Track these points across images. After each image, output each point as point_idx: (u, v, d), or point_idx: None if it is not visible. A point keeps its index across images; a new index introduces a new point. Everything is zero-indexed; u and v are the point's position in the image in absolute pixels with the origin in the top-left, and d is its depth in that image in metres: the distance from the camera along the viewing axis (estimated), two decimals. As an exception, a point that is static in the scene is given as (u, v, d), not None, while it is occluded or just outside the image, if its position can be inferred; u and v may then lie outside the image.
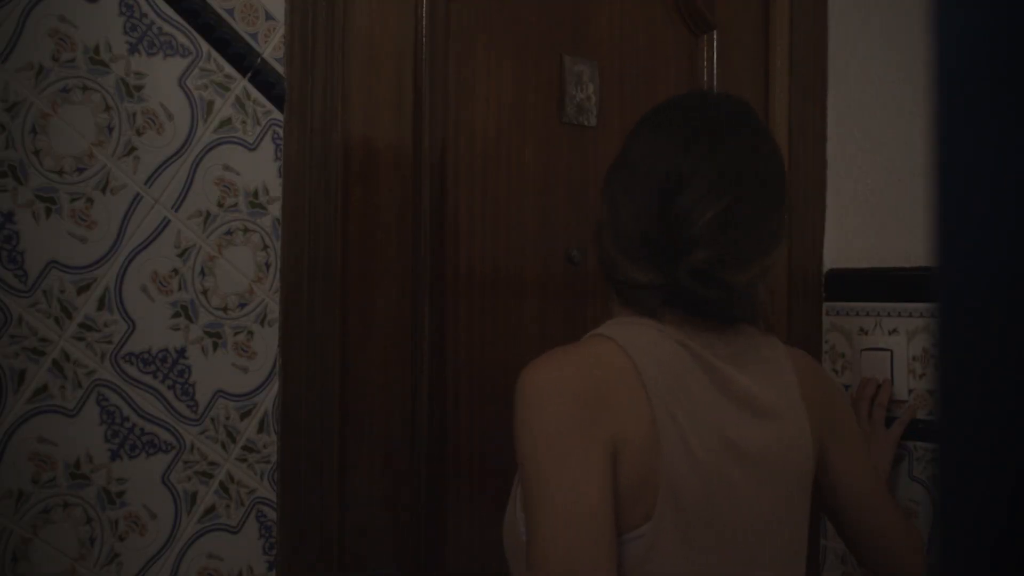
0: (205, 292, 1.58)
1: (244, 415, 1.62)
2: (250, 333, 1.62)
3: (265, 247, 1.64)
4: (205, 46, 1.59)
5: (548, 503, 1.31)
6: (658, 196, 1.42)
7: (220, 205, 1.60)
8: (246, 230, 1.62)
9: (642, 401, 1.37)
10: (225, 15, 1.60)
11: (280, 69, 1.65)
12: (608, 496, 1.32)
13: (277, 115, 1.65)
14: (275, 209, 1.65)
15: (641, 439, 1.35)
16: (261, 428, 1.63)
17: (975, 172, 0.45)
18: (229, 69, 1.61)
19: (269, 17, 1.64)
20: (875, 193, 2.21)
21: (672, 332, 1.43)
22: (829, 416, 1.59)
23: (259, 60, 1.63)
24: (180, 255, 1.56)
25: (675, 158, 1.42)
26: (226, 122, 1.60)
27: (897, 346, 2.14)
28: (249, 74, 1.62)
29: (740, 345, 1.48)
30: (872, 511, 1.65)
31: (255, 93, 1.63)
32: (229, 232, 1.60)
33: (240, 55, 1.61)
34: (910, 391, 2.13)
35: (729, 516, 1.39)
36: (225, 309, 1.60)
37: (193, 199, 1.57)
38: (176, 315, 1.56)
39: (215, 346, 1.59)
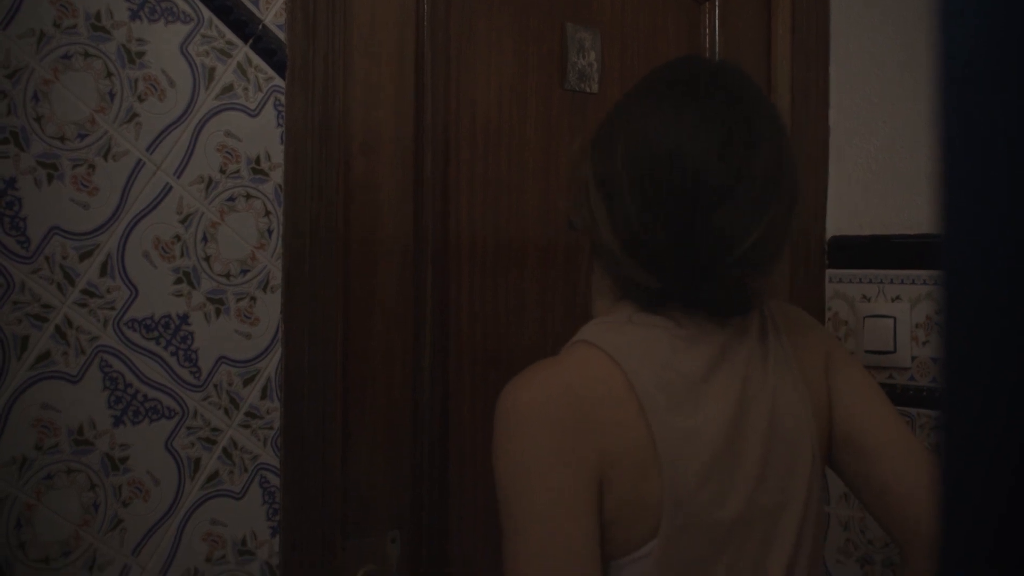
0: (207, 258, 1.58)
1: (247, 381, 1.62)
2: (252, 299, 1.62)
3: (267, 213, 1.63)
4: (206, 12, 1.58)
5: (525, 543, 1.25)
6: (688, 211, 1.28)
7: (222, 171, 1.59)
8: (248, 196, 1.62)
9: (634, 415, 1.29)
10: (226, -19, 1.59)
11: (281, 36, 1.64)
12: (593, 530, 1.26)
13: (279, 82, 1.64)
14: (277, 176, 1.64)
15: (635, 456, 1.28)
16: (264, 394, 1.64)
17: (981, 138, 0.45)
18: (230, 35, 1.60)
19: (270, -17, 1.63)
20: (878, 160, 2.20)
21: (664, 324, 1.36)
22: (822, 364, 1.51)
23: (260, 27, 1.62)
24: (182, 221, 1.56)
25: (708, 166, 1.27)
26: (228, 89, 1.60)
27: (900, 313, 2.14)
28: (250, 41, 1.62)
29: (734, 321, 1.40)
30: (875, 428, 1.49)
31: (257, 60, 1.62)
32: (231, 198, 1.60)
33: (241, 22, 1.60)
34: (913, 358, 2.13)
35: (741, 515, 1.34)
36: (227, 275, 1.60)
37: (195, 165, 1.57)
38: (178, 281, 1.56)
39: (217, 312, 1.59)
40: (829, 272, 2.28)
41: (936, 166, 0.46)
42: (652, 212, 1.30)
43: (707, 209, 1.27)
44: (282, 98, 1.65)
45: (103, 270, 1.50)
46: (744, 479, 1.35)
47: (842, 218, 2.27)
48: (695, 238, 1.28)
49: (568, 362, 1.35)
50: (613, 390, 1.30)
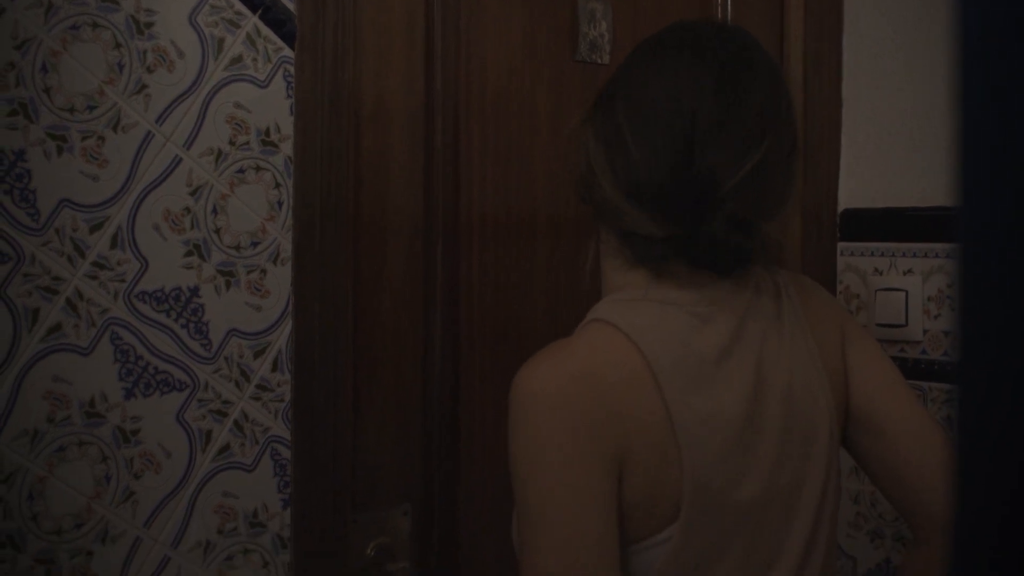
0: (218, 230, 1.58)
1: (258, 354, 1.62)
2: (263, 272, 1.62)
3: (277, 185, 1.63)
4: (215, -18, 1.57)
5: (545, 534, 1.23)
6: (685, 145, 1.29)
7: (232, 143, 1.59)
8: (258, 168, 1.61)
9: (653, 397, 1.28)
10: (235, -49, 1.59)
11: (291, 6, 1.63)
12: (611, 517, 1.24)
13: (288, 53, 1.64)
14: (287, 147, 1.64)
15: (654, 440, 1.27)
16: (275, 367, 1.64)
17: (999, 110, 0.44)
18: (239, 6, 1.59)
19: (279, -47, 1.63)
20: (891, 132, 2.19)
21: (678, 300, 1.35)
22: (838, 338, 1.50)
23: (270, -3, 1.62)
24: (192, 193, 1.56)
25: (703, 104, 1.29)
26: (237, 60, 1.59)
27: (912, 286, 2.14)
28: (259, 11, 1.61)
29: (748, 295, 1.39)
30: (890, 406, 1.48)
31: (266, 30, 1.61)
32: (241, 170, 1.60)
33: (250, -8, 1.60)
34: (924, 331, 2.12)
35: (759, 495, 1.33)
36: (238, 248, 1.60)
37: (205, 137, 1.56)
38: (189, 253, 1.56)
39: (228, 284, 1.59)
40: (841, 245, 2.27)
41: (953, 138, 0.45)
42: (651, 152, 1.31)
43: (702, 144, 1.29)
44: (291, 69, 1.64)
45: (113, 242, 1.49)
46: (763, 459, 1.34)
47: (854, 191, 2.26)
48: (691, 172, 1.29)
49: (584, 343, 1.33)
50: (631, 372, 1.28)
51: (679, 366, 1.29)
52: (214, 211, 1.58)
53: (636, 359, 1.29)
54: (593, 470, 1.24)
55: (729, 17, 2.21)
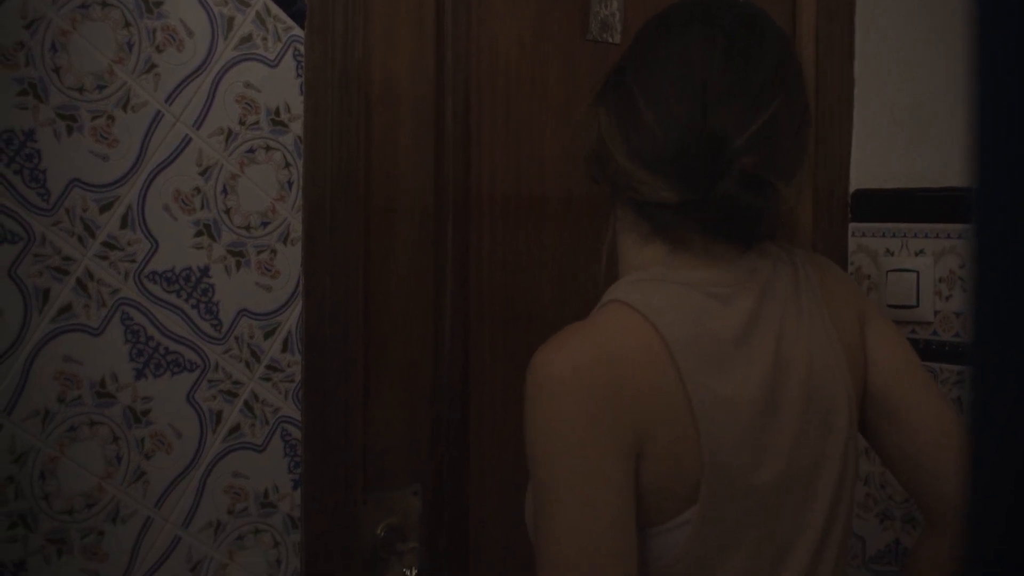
0: (228, 211, 1.58)
1: (268, 334, 1.62)
2: (273, 252, 1.62)
3: (287, 165, 1.63)
4: (225, -39, 1.57)
5: (561, 519, 1.22)
6: (699, 108, 1.29)
7: (242, 123, 1.58)
8: (268, 148, 1.61)
9: (672, 381, 1.27)
10: (245, -71, 1.58)
11: (301, -15, 1.63)
12: (629, 501, 1.23)
13: (298, 32, 1.63)
14: (297, 127, 1.64)
15: (673, 424, 1.26)
16: (285, 347, 1.64)
17: (1015, 89, 0.44)
18: (249, -15, 1.59)
19: (289, -68, 1.62)
20: (903, 112, 2.18)
21: (697, 281, 1.34)
22: (856, 319, 1.49)
23: (279, -24, 1.61)
24: (202, 173, 1.56)
25: (715, 66, 1.31)
26: (246, 39, 1.59)
27: (923, 267, 2.13)
28: (269, -10, 1.61)
29: (765, 275, 1.38)
30: (907, 391, 1.47)
31: (275, 9, 1.61)
32: (251, 150, 1.60)
33: (260, -30, 1.60)
34: (936, 313, 2.12)
35: (778, 477, 1.32)
36: (248, 228, 1.60)
37: (214, 117, 1.56)
38: (199, 234, 1.56)
39: (238, 265, 1.59)
40: (852, 226, 2.26)
41: (968, 118, 0.45)
42: (666, 117, 1.31)
43: (714, 106, 1.29)
44: (301, 48, 1.63)
45: (123, 222, 1.49)
46: (781, 441, 1.33)
47: (866, 171, 2.25)
48: (705, 133, 1.29)
49: (603, 326, 1.31)
50: (650, 355, 1.27)
51: (698, 348, 1.28)
52: (224, 191, 1.58)
53: (655, 341, 1.28)
54: (611, 453, 1.22)
55: (741, -4, 2.20)
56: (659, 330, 1.28)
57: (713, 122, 1.29)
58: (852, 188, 2.27)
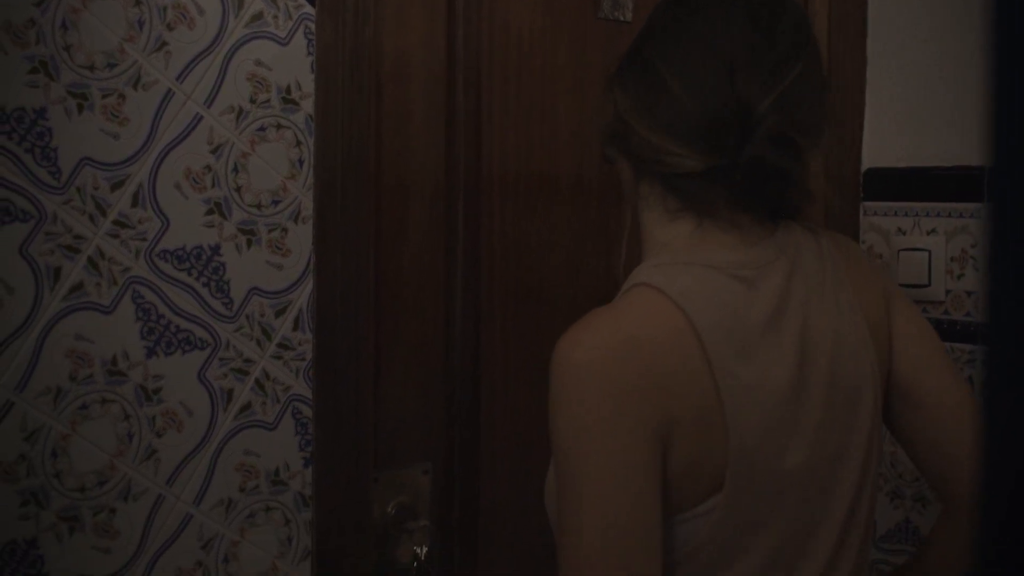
0: (238, 189, 1.58)
1: (279, 312, 1.62)
2: (284, 230, 1.62)
3: (298, 144, 1.63)
4: (235, -61, 1.57)
5: (588, 508, 1.20)
6: (725, 73, 1.29)
7: (252, 101, 1.58)
8: (279, 126, 1.61)
9: (700, 368, 1.25)
10: (255, -93, 1.58)
11: (311, -38, 1.63)
12: (656, 490, 1.22)
13: (309, 9, 1.63)
14: (308, 105, 1.63)
15: (701, 411, 1.24)
16: (296, 326, 1.64)
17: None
18: (260, -38, 1.59)
19: (300, -91, 1.61)
20: (915, 91, 2.17)
21: (722, 261, 1.32)
22: (882, 303, 1.47)
23: (290, -47, 1.61)
24: (213, 151, 1.55)
25: (738, 35, 1.31)
26: (257, 16, 1.58)
27: (935, 247, 2.12)
28: (280, -33, 1.60)
29: (791, 257, 1.37)
30: (931, 378, 1.46)
31: (286, -13, 1.61)
32: (262, 128, 1.59)
33: (271, -52, 1.59)
34: (947, 292, 2.11)
35: (804, 463, 1.31)
36: (259, 206, 1.60)
37: (225, 95, 1.56)
38: (210, 212, 1.56)
39: (249, 243, 1.59)
40: (864, 205, 2.25)
41: (984, 96, 0.45)
42: (694, 84, 1.31)
43: (741, 71, 1.29)
44: (312, 26, 1.63)
45: (134, 201, 1.49)
46: (807, 426, 1.32)
47: (878, 150, 2.24)
48: (734, 97, 1.29)
49: (629, 310, 1.29)
50: (678, 340, 1.25)
51: (726, 334, 1.27)
52: (235, 169, 1.58)
53: (683, 325, 1.26)
54: (638, 441, 1.21)
55: (753, -26, 2.19)
56: (687, 315, 1.26)
57: (740, 89, 1.28)
58: (864, 167, 2.26)
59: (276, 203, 1.61)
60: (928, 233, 2.14)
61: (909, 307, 1.51)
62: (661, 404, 1.22)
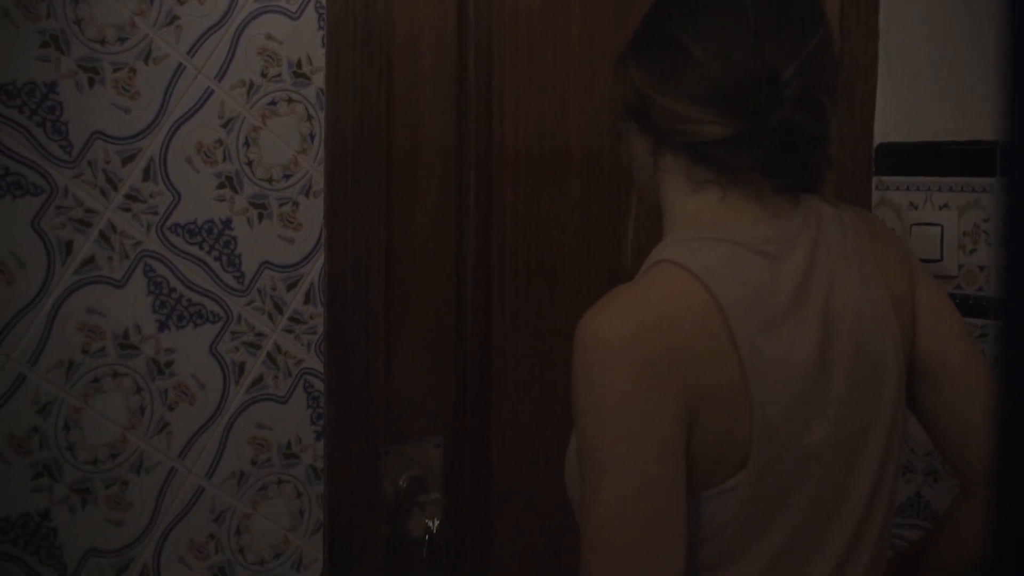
0: (250, 163, 1.58)
1: (290, 286, 1.63)
2: (295, 204, 1.62)
3: (309, 118, 1.62)
4: (246, -88, 1.56)
5: (613, 486, 1.19)
6: (751, 41, 1.28)
7: (263, 75, 1.58)
8: (290, 100, 1.61)
9: (725, 346, 1.23)
10: None
11: (322, -64, 1.62)
12: (680, 468, 1.21)
13: (319, -17, 1.62)
14: (319, 79, 1.63)
15: (725, 389, 1.23)
16: (307, 299, 1.64)
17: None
18: (270, -64, 1.58)
19: None
20: (928, 65, 2.16)
21: (746, 236, 1.30)
22: (907, 279, 1.45)
23: (300, -74, 1.60)
24: (224, 126, 1.55)
25: (763, 4, 1.31)
26: (268, -10, 1.58)
27: (948, 221, 2.12)
28: (290, -59, 1.60)
29: (814, 232, 1.35)
30: (952, 357, 1.45)
31: (297, -39, 1.60)
32: (273, 102, 1.59)
33: (281, -79, 1.59)
34: (960, 267, 2.11)
35: (828, 439, 1.30)
36: (270, 180, 1.60)
37: (236, 69, 1.56)
38: (221, 186, 1.56)
39: (260, 217, 1.59)
40: (876, 179, 2.24)
41: (999, 70, 0.44)
42: (720, 50, 1.30)
43: (767, 39, 1.29)
44: (323, 0, 1.63)
45: (146, 175, 1.50)
46: (831, 402, 1.31)
47: (890, 125, 2.23)
48: (762, 62, 1.28)
49: (653, 287, 1.27)
50: (703, 317, 1.24)
51: (751, 310, 1.25)
52: (246, 143, 1.58)
53: (707, 302, 1.24)
54: (663, 418, 1.20)
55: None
56: (711, 291, 1.24)
57: (767, 55, 1.28)
58: (876, 142, 2.25)
59: (287, 177, 1.61)
60: (940, 208, 2.13)
61: (932, 284, 1.50)
62: (685, 381, 1.22)
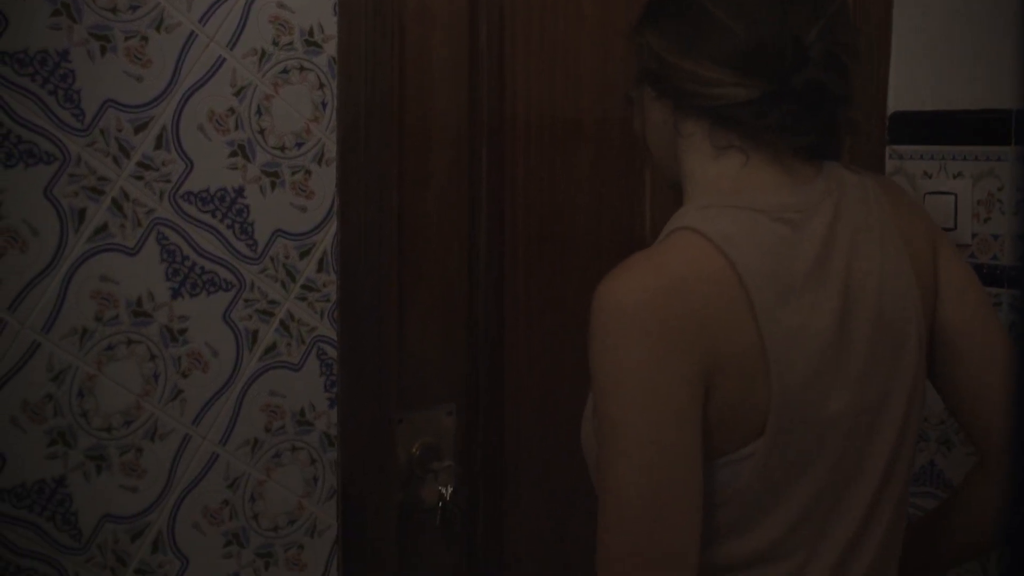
0: (262, 131, 1.58)
1: (303, 254, 1.63)
2: (307, 172, 1.62)
3: (321, 86, 1.62)
4: None
5: (631, 453, 1.21)
6: (777, 5, 1.29)
7: (275, 43, 1.58)
8: (302, 69, 1.61)
9: (743, 313, 1.24)
10: None
11: (333, -97, 1.62)
12: (696, 434, 1.22)
13: (331, -49, 1.62)
14: (331, 47, 1.63)
15: (743, 357, 1.24)
16: (320, 267, 1.64)
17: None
18: (281, -97, 1.58)
19: None
20: (943, 33, 2.15)
21: (767, 203, 1.31)
22: (930, 250, 1.46)
23: None
24: (236, 94, 1.56)
25: None
26: (279, -42, 1.58)
27: (962, 190, 2.11)
28: (302, -92, 1.60)
29: (835, 199, 1.35)
30: (974, 329, 1.46)
31: (308, -72, 1.60)
32: (285, 71, 1.59)
33: None
34: (974, 235, 2.10)
35: (846, 409, 1.31)
36: (282, 148, 1.60)
37: (248, 37, 1.56)
38: (233, 154, 1.56)
39: (273, 185, 1.59)
40: (890, 148, 2.24)
41: (1014, 39, 0.44)
42: (742, 16, 1.30)
43: (789, 1, 1.29)
44: (334, -32, 1.63)
45: (158, 143, 1.50)
46: (850, 372, 1.31)
47: (904, 93, 2.22)
48: (783, 29, 1.28)
49: (671, 254, 1.28)
50: (721, 285, 1.24)
51: (769, 278, 1.26)
52: (258, 112, 1.58)
53: (726, 270, 1.25)
54: (680, 385, 1.21)
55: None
56: (730, 259, 1.25)
57: (791, 17, 1.28)
58: (890, 110, 2.24)
59: (299, 145, 1.61)
60: (954, 176, 2.12)
61: (955, 255, 1.49)
62: (703, 348, 1.22)
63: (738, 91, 1.30)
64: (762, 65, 1.29)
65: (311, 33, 1.61)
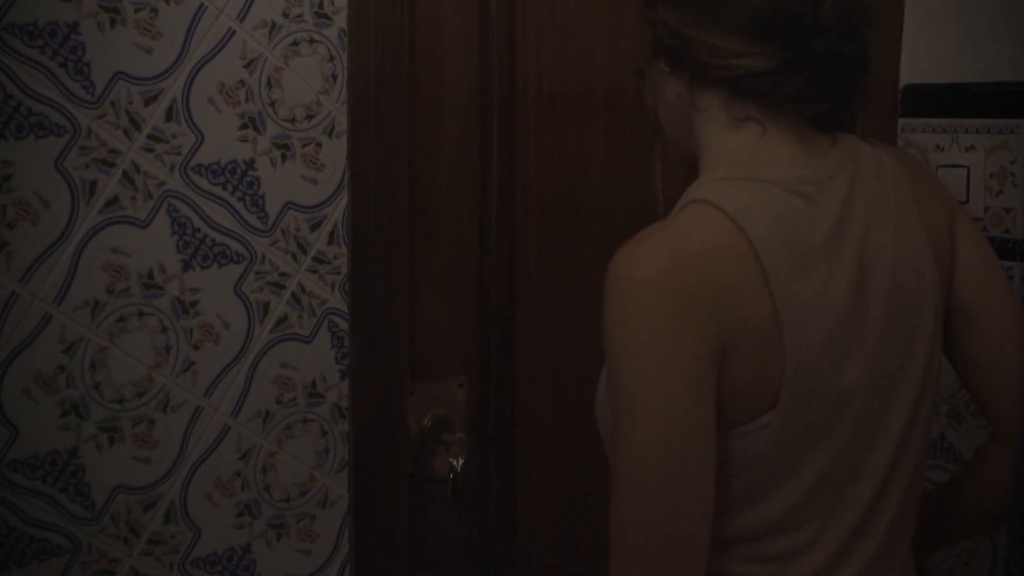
0: (272, 103, 1.58)
1: (314, 227, 1.63)
2: (318, 145, 1.62)
3: (331, 58, 1.62)
4: None
5: (645, 425, 1.20)
6: None
7: (285, 15, 1.58)
8: (312, 41, 1.60)
9: (758, 285, 1.23)
10: None
11: None
12: (711, 406, 1.21)
13: (340, -78, 1.62)
14: (340, 19, 1.63)
15: (758, 329, 1.23)
16: (331, 239, 1.64)
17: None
18: None
19: None
20: (954, 5, 2.14)
21: (782, 176, 1.30)
22: (947, 223, 1.43)
23: None
24: (246, 66, 1.55)
25: None
26: (289, -71, 1.58)
27: (974, 163, 2.10)
28: None
29: (851, 171, 1.34)
30: (990, 304, 1.45)
31: (318, -101, 1.60)
32: (295, 43, 1.59)
33: None
34: (986, 209, 2.09)
35: (861, 380, 1.30)
36: (293, 120, 1.60)
37: (258, 9, 1.55)
38: (244, 126, 1.56)
39: (283, 158, 1.59)
40: (902, 121, 2.23)
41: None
42: None
43: None
44: (344, -61, 1.62)
45: (168, 115, 1.50)
46: (866, 344, 1.30)
47: (916, 66, 2.21)
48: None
49: (686, 226, 1.27)
50: (735, 257, 1.23)
51: (785, 250, 1.25)
52: (268, 84, 1.58)
53: (740, 242, 1.24)
54: (694, 356, 1.20)
55: None
56: (745, 231, 1.24)
57: None
58: (902, 83, 2.23)
59: (310, 118, 1.61)
60: (966, 150, 2.11)
61: (973, 229, 1.48)
62: (718, 320, 1.22)
63: (755, 60, 1.29)
64: (778, 33, 1.27)
65: (321, 5, 1.61)
